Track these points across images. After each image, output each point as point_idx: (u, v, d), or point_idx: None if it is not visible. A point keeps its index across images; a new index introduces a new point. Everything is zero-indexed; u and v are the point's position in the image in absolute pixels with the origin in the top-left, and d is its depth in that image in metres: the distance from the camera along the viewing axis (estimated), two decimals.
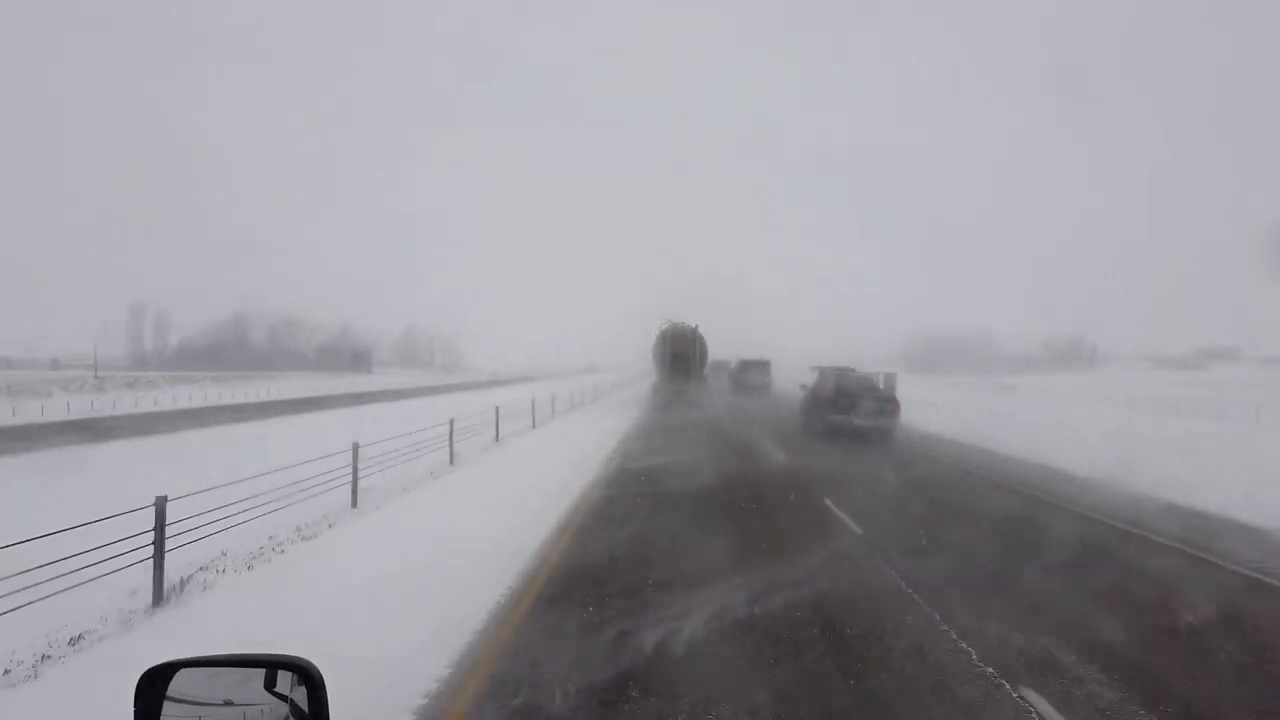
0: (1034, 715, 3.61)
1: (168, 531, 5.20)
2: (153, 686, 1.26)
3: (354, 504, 8.61)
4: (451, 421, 12.80)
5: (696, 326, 32.98)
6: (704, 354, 33.42)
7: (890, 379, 18.81)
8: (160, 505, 5.27)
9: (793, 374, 32.71)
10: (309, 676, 1.31)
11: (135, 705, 1.24)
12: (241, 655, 1.34)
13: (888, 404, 16.93)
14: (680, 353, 32.64)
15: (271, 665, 1.34)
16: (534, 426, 18.80)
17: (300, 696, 1.32)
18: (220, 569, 5.90)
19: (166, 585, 5.18)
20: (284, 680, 1.35)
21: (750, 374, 39.10)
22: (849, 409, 16.53)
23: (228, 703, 1.32)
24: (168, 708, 1.26)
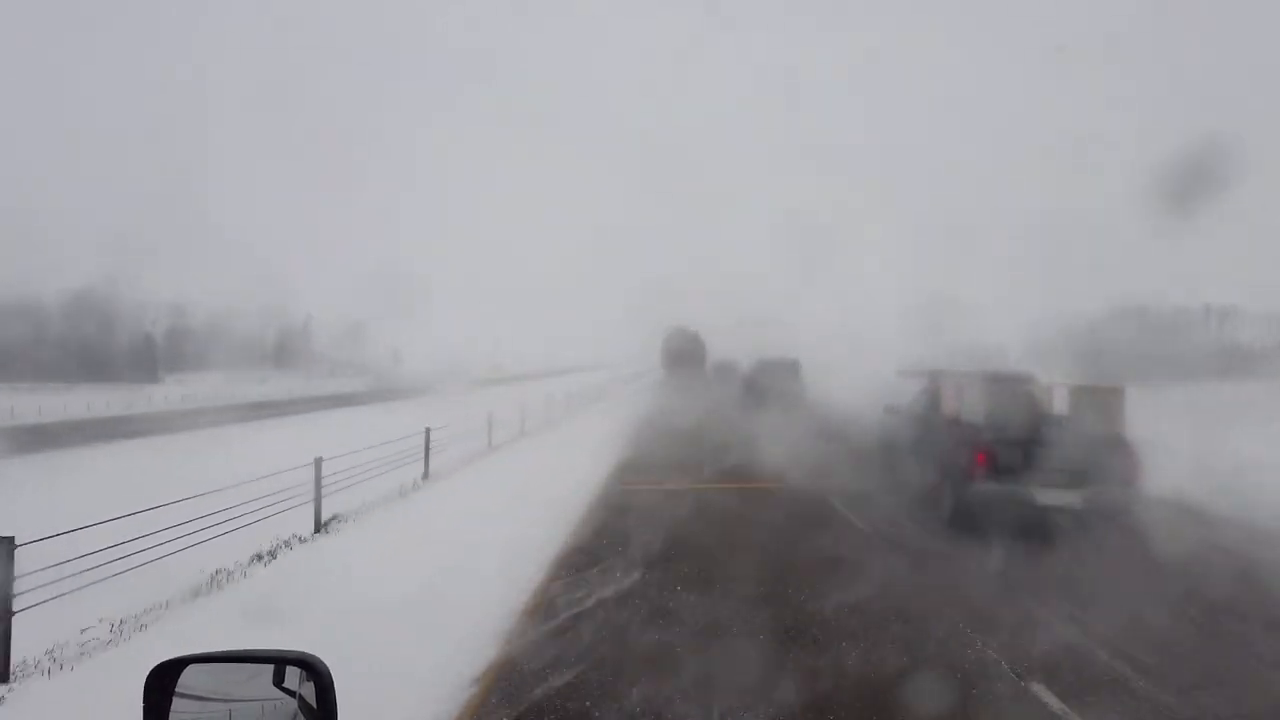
0: None
1: None
2: (162, 682, 1.24)
3: None
4: None
5: (697, 332, 39.28)
6: (704, 355, 38.79)
7: (1107, 398, 8.39)
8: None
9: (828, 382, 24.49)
10: (317, 673, 1.33)
11: (145, 700, 1.21)
12: (250, 651, 1.33)
13: (1113, 455, 7.61)
14: (682, 354, 38.55)
15: (280, 661, 1.35)
16: None
17: (309, 692, 1.33)
18: None
19: None
20: (292, 676, 1.36)
21: (771, 378, 26.52)
22: (1021, 466, 7.63)
23: (237, 698, 1.31)
24: (177, 703, 1.24)
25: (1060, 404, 8.87)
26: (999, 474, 7.72)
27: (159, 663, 1.25)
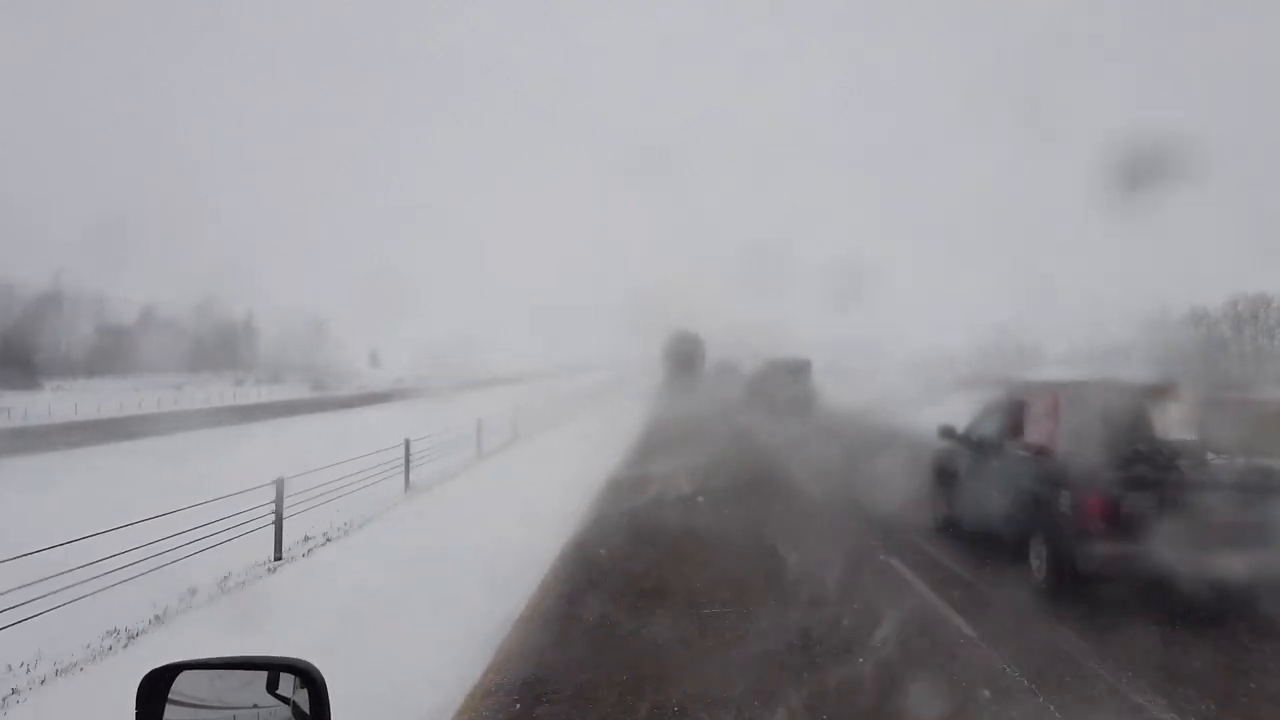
0: None
1: None
2: (154, 689, 1.22)
3: None
4: None
5: (698, 334, 41.75)
6: (704, 357, 41.86)
7: None
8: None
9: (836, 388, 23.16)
10: (311, 679, 1.32)
11: (137, 708, 1.20)
12: (244, 657, 1.32)
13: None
14: (682, 356, 40.99)
15: (274, 667, 1.34)
16: None
17: (302, 699, 1.33)
18: None
19: None
20: (286, 683, 1.34)
21: (779, 383, 24.12)
22: (1156, 518, 5.17)
23: (230, 705, 1.30)
24: (170, 711, 1.23)
25: (1209, 427, 6.41)
26: (1123, 529, 5.39)
27: (151, 670, 1.23)
